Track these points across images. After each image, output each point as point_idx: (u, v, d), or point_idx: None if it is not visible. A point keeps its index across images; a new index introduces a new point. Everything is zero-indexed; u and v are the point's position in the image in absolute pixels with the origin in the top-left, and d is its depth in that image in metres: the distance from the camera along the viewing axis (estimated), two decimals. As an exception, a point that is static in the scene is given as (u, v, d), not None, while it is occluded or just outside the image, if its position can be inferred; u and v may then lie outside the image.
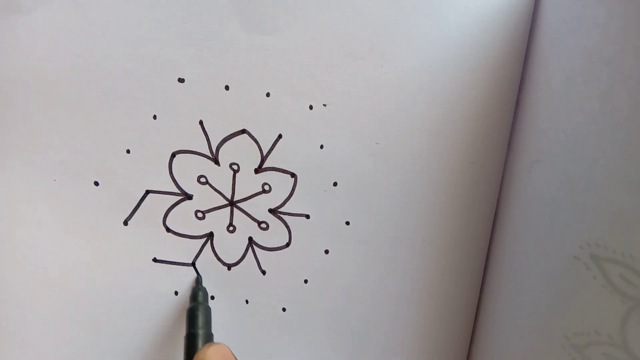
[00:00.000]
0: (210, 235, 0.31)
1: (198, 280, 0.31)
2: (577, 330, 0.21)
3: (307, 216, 0.30)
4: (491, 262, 0.30)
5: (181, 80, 0.28)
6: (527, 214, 0.25)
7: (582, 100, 0.21)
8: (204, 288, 0.30)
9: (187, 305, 0.32)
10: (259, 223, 0.30)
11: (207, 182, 0.30)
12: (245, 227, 0.30)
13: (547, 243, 0.23)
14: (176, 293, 0.32)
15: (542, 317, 0.23)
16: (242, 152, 0.29)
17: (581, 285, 0.20)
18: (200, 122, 0.28)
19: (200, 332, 0.27)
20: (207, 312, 0.29)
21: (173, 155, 0.29)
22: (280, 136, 0.28)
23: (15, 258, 0.32)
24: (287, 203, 0.30)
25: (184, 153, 0.29)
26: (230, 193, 0.30)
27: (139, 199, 0.30)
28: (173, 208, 0.30)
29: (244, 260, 0.31)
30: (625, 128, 0.18)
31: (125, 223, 0.31)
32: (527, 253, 0.25)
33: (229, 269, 0.31)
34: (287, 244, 0.30)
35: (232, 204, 0.30)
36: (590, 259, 0.20)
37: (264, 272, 0.31)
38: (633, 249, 0.18)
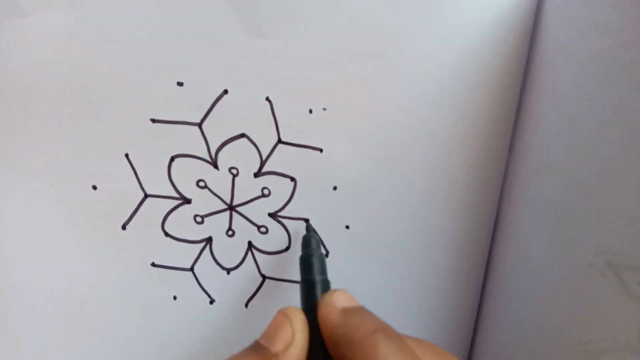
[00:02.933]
0: (209, 240, 0.31)
1: (309, 227, 0.29)
2: (592, 336, 0.20)
3: (307, 220, 0.30)
4: (496, 267, 0.30)
5: (180, 84, 0.28)
6: (535, 220, 0.25)
7: (594, 106, 0.20)
8: (316, 234, 0.28)
9: (186, 310, 0.32)
10: (259, 227, 0.30)
11: (206, 187, 0.29)
12: (245, 232, 0.30)
13: (559, 250, 0.22)
14: (175, 298, 0.32)
15: (555, 323, 0.23)
16: (241, 156, 0.29)
17: (597, 292, 0.20)
18: (199, 126, 0.28)
19: (318, 278, 0.24)
20: (322, 258, 0.25)
21: (172, 159, 0.29)
22: (279, 140, 0.28)
23: (13, 261, 0.32)
24: (287, 207, 0.29)
25: (182, 157, 0.29)
26: (230, 197, 0.30)
27: (137, 203, 0.30)
28: (172, 212, 0.30)
29: (243, 264, 0.31)
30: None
31: (124, 227, 0.30)
32: (537, 259, 0.24)
33: (228, 273, 0.31)
34: (287, 248, 0.30)
35: (231, 208, 0.30)
36: (606, 266, 0.20)
37: (263, 277, 0.31)
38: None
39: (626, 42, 0.19)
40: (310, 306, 0.22)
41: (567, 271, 0.22)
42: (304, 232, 0.30)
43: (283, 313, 0.21)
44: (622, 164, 0.19)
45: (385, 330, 0.18)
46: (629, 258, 0.19)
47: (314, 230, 0.29)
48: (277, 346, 0.19)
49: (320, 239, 0.28)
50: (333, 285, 0.31)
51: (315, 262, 0.25)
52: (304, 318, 0.21)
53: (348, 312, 0.20)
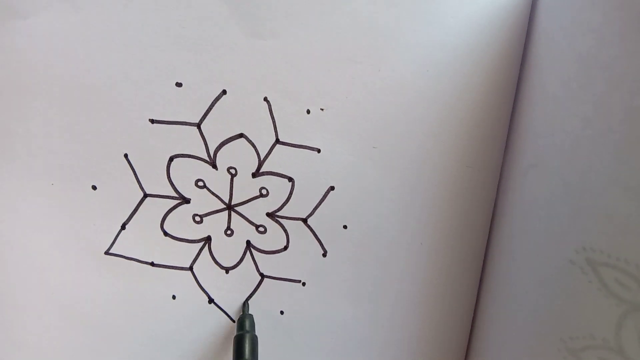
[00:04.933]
0: (208, 239, 0.31)
1: (245, 308, 0.31)
2: (572, 334, 0.21)
3: (305, 220, 0.30)
4: (488, 265, 0.30)
5: (179, 85, 0.28)
6: (523, 218, 0.25)
7: (577, 104, 0.21)
8: (251, 316, 0.31)
9: (185, 309, 0.32)
10: (257, 227, 0.30)
11: (204, 186, 0.30)
12: (243, 231, 0.30)
13: (543, 247, 0.23)
14: (174, 297, 0.32)
15: (539, 320, 0.23)
16: (239, 156, 0.29)
17: (577, 289, 0.20)
18: (198, 126, 0.28)
19: None
20: (255, 341, 0.29)
21: (171, 159, 0.29)
22: (277, 140, 0.29)
23: (14, 261, 0.32)
24: (285, 207, 0.30)
25: (181, 157, 0.29)
26: (228, 197, 0.30)
27: (137, 203, 0.30)
28: (171, 212, 0.30)
29: (242, 263, 0.31)
30: (620, 132, 0.18)
31: (123, 227, 0.31)
32: (523, 256, 0.25)
33: (226, 272, 0.31)
34: (285, 247, 0.30)
35: (229, 207, 0.30)
36: (585, 263, 0.20)
37: (262, 276, 0.31)
38: (628, 253, 0.18)
39: (606, 41, 0.19)
40: None
41: (550, 268, 0.22)
42: (303, 232, 0.30)
43: None
44: (601, 162, 0.19)
45: None
46: (606, 255, 0.19)
47: (248, 310, 0.31)
48: None
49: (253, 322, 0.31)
50: (333, 281, 0.31)
51: (247, 344, 0.29)
52: None
53: None
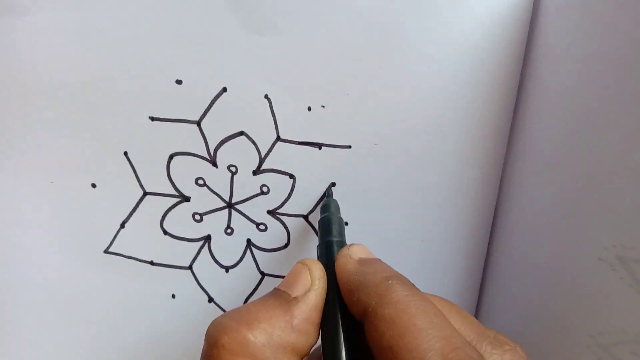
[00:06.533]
0: (208, 238, 0.31)
1: (329, 192, 0.29)
2: (602, 329, 0.21)
3: (306, 217, 0.30)
4: (496, 263, 0.30)
5: (179, 82, 0.28)
6: (541, 217, 0.25)
7: (602, 103, 0.20)
8: (335, 201, 0.28)
9: (185, 308, 0.32)
10: (258, 224, 0.30)
11: (205, 184, 0.30)
12: (244, 229, 0.30)
13: (569, 245, 0.22)
14: (173, 296, 0.32)
15: (564, 317, 0.23)
16: (240, 154, 0.29)
17: (607, 286, 0.20)
18: (198, 124, 0.28)
19: (336, 239, 0.24)
20: (341, 222, 0.26)
21: (171, 157, 0.29)
22: (278, 137, 0.28)
23: (13, 259, 0.32)
24: (286, 204, 0.29)
25: (181, 155, 0.29)
26: (228, 195, 0.30)
27: (136, 201, 0.30)
28: (170, 210, 0.30)
29: (242, 262, 0.31)
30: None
31: (123, 225, 0.30)
32: (545, 255, 0.24)
33: (226, 271, 0.31)
34: (286, 245, 0.30)
35: (230, 206, 0.30)
36: (616, 260, 0.20)
37: (262, 274, 0.31)
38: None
39: (627, 41, 0.19)
40: (327, 263, 0.22)
41: (577, 266, 0.22)
42: (304, 229, 0.30)
43: (302, 262, 0.21)
44: (630, 159, 0.19)
45: (399, 277, 0.19)
46: (639, 252, 0.19)
47: (332, 195, 0.29)
48: (296, 291, 0.20)
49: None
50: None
51: (334, 225, 0.25)
52: (322, 267, 0.21)
53: (364, 261, 0.21)
